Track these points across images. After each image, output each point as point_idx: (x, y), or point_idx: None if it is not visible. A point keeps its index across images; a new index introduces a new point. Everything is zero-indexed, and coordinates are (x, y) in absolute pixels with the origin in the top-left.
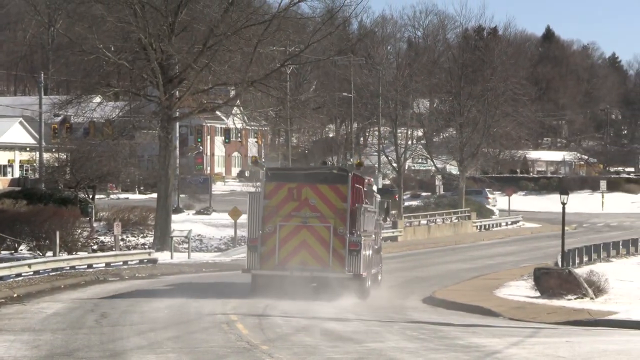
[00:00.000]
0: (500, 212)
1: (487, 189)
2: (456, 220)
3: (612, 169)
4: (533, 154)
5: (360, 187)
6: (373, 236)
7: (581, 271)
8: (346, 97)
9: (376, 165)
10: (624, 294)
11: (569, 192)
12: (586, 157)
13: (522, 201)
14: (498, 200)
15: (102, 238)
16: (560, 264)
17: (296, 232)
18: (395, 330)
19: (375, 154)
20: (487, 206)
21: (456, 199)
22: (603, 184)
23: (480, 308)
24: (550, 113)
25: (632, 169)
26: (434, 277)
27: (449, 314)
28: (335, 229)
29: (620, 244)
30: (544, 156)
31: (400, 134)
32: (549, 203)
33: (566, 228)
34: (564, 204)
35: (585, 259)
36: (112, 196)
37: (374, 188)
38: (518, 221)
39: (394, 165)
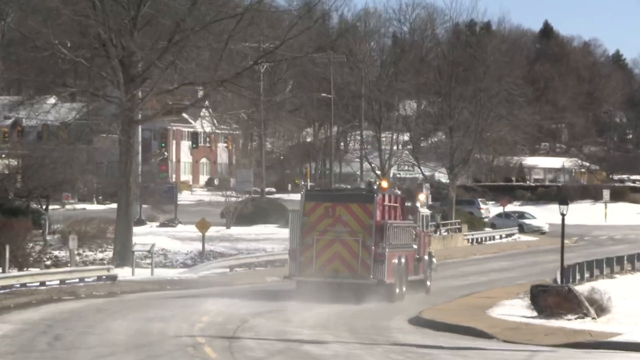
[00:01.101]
0: (494, 223)
1: (479, 199)
2: (446, 233)
3: (616, 177)
4: (530, 161)
5: (396, 204)
6: (414, 247)
7: (582, 289)
8: (325, 98)
9: (375, 175)
10: (628, 314)
11: (568, 202)
12: (588, 164)
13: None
14: (492, 211)
15: (56, 253)
16: (559, 280)
17: (330, 244)
18: (378, 354)
19: (357, 160)
20: (482, 217)
21: (445, 209)
22: (606, 193)
23: (472, 329)
24: (549, 115)
25: (638, 177)
26: (423, 296)
27: (438, 335)
28: (364, 242)
29: (625, 258)
30: (542, 163)
31: (384, 139)
32: (547, 214)
33: (566, 241)
34: (563, 215)
35: (586, 275)
36: (67, 207)
37: (420, 204)
38: (513, 233)
39: (378, 172)
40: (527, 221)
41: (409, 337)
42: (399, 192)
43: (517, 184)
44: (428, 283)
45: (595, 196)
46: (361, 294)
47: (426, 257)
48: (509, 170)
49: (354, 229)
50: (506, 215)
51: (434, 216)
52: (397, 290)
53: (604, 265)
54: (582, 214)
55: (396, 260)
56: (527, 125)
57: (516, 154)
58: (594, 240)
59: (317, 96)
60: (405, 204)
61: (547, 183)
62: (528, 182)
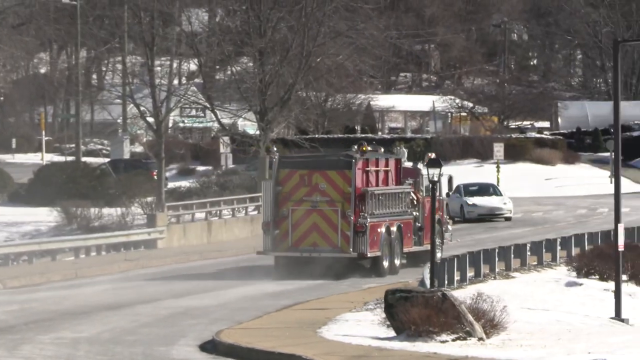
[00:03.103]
0: None
1: None
2: (255, 212)
3: (513, 124)
4: (383, 101)
5: (387, 168)
6: (413, 215)
7: (464, 294)
8: (68, 7)
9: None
10: (533, 331)
11: (441, 163)
12: (471, 105)
13: None
14: None
15: None
16: (428, 282)
17: (307, 215)
18: None
19: (119, 101)
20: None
21: (255, 177)
22: (499, 149)
23: (299, 359)
24: (412, 32)
25: (547, 124)
26: (218, 307)
27: None
28: (343, 212)
29: (528, 248)
30: (402, 103)
31: (159, 68)
32: None
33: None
34: (434, 182)
35: (470, 273)
36: None
37: (407, 164)
38: None
39: (150, 119)
40: None
41: None
42: (394, 155)
43: (363, 135)
44: (439, 254)
45: (483, 154)
46: (342, 268)
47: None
48: (352, 115)
49: (333, 198)
50: None
51: (450, 179)
52: (386, 264)
53: (496, 259)
54: (464, 179)
55: (383, 230)
56: (378, 47)
57: (362, 91)
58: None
59: (56, 3)
60: (404, 166)
61: (408, 134)
62: (380, 132)
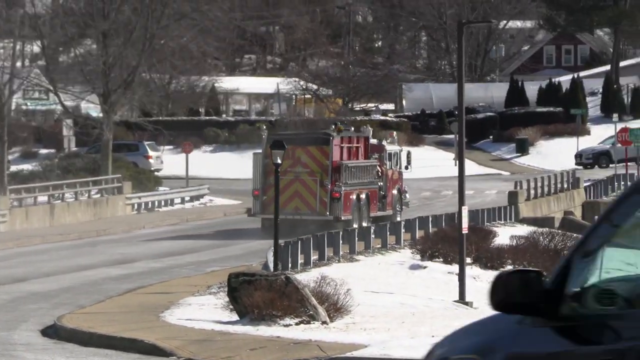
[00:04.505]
0: (171, 179)
1: (147, 142)
2: (98, 196)
3: (358, 107)
4: (227, 83)
5: (358, 145)
6: (378, 185)
7: (308, 277)
8: None
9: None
10: (376, 315)
11: (285, 146)
12: (315, 87)
13: (209, 161)
14: (169, 160)
15: None
16: (271, 266)
17: (291, 184)
18: None
19: None
20: (152, 170)
21: (98, 160)
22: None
23: (139, 342)
24: (256, 13)
25: (392, 106)
26: (60, 291)
27: (88, 353)
28: (322, 181)
29: (372, 231)
30: (246, 86)
31: (2, 50)
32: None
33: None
34: (277, 164)
35: (314, 257)
36: None
37: (373, 141)
38: (203, 195)
39: None
40: None
41: (44, 359)
42: (363, 133)
43: (207, 118)
44: (398, 218)
45: None
46: (320, 229)
47: (395, 192)
48: (196, 97)
49: (313, 170)
50: None
51: (408, 154)
52: (356, 225)
53: (341, 242)
54: None
55: (354, 198)
56: (222, 29)
57: (206, 73)
58: None
59: None
60: (370, 143)
61: (253, 117)
62: (225, 115)
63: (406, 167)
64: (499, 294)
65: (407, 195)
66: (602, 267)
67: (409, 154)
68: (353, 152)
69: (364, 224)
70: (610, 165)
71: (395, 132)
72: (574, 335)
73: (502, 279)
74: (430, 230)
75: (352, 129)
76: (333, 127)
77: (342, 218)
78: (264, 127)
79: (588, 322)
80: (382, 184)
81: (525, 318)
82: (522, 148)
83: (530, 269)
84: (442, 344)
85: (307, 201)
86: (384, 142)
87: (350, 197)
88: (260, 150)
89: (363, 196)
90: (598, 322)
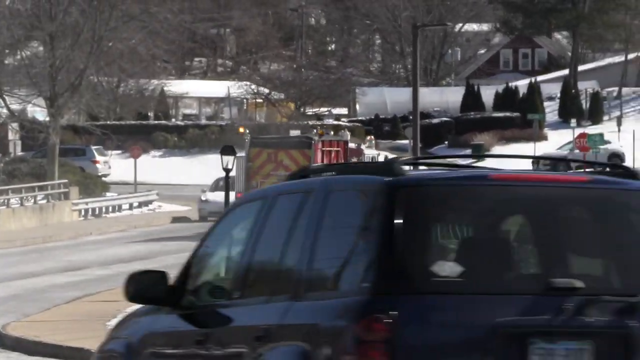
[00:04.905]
0: (119, 185)
1: (94, 147)
2: (44, 201)
3: (311, 111)
4: (177, 86)
5: (338, 148)
6: None
7: None
8: None
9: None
10: None
11: (235, 151)
12: (267, 91)
13: (158, 166)
14: (117, 165)
15: None
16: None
17: None
18: None
19: None
20: (99, 176)
21: (44, 165)
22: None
23: (87, 352)
24: (207, 15)
25: (345, 110)
26: (6, 299)
27: None
28: None
29: None
30: (196, 89)
31: None
32: (205, 169)
33: None
34: (227, 170)
35: None
36: None
37: (351, 145)
38: (151, 201)
39: None
40: None
41: None
42: (342, 137)
43: (156, 122)
44: None
45: None
46: None
47: None
48: (145, 101)
49: None
50: None
51: (386, 158)
52: None
53: None
54: None
55: None
56: (172, 31)
57: (155, 76)
58: None
59: None
60: (349, 146)
61: (203, 121)
62: (174, 119)
63: None
64: (131, 289)
65: None
66: (212, 268)
67: (387, 158)
68: (333, 156)
69: None
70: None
71: (372, 136)
72: (190, 320)
73: (134, 278)
74: None
75: (332, 133)
76: (315, 130)
77: None
78: (247, 131)
79: (202, 310)
80: None
81: (161, 308)
82: (478, 154)
83: (157, 270)
84: (116, 331)
85: None
86: (363, 147)
87: None
88: (243, 154)
89: None
90: (208, 311)
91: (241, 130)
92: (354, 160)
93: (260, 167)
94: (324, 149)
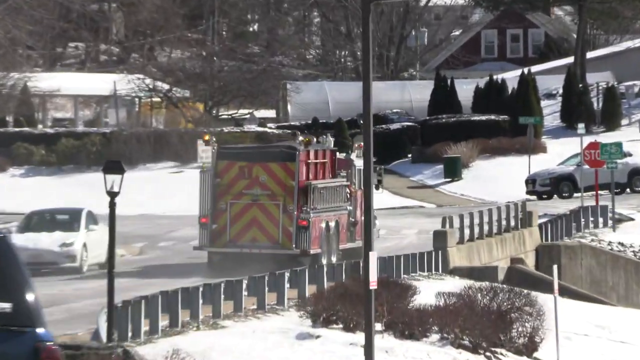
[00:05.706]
0: None
1: None
2: None
3: (226, 114)
4: (45, 81)
5: (325, 160)
6: (347, 209)
7: (154, 351)
8: None
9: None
10: None
11: (124, 168)
12: (167, 87)
13: (18, 189)
14: None
15: None
16: (104, 335)
17: (247, 209)
18: None
19: None
20: None
21: None
22: (204, 149)
23: None
24: None
25: (273, 113)
26: None
27: None
28: (285, 206)
29: (245, 286)
30: (71, 85)
31: None
32: (82, 192)
33: (118, 251)
34: (112, 194)
35: (162, 322)
36: None
37: (340, 155)
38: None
39: None
40: None
41: None
42: (328, 145)
43: (17, 129)
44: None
45: (184, 155)
46: (282, 266)
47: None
48: (2, 101)
49: (274, 192)
50: None
51: (379, 170)
52: (325, 261)
53: (200, 301)
54: (156, 191)
55: (324, 226)
56: (38, 7)
57: (16, 68)
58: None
59: None
60: (337, 157)
61: (80, 128)
62: (41, 125)
63: (377, 187)
64: None
65: (377, 221)
66: None
67: (380, 170)
68: (320, 169)
69: (333, 259)
70: (575, 195)
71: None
72: None
73: None
74: (326, 285)
75: (315, 139)
76: (300, 139)
77: (311, 252)
78: (214, 138)
79: None
80: (351, 207)
81: None
82: (453, 171)
83: None
84: None
85: (268, 231)
86: (353, 156)
87: (319, 225)
88: (203, 165)
89: (332, 224)
90: None
91: (206, 138)
92: (343, 174)
93: (230, 184)
94: (309, 161)
